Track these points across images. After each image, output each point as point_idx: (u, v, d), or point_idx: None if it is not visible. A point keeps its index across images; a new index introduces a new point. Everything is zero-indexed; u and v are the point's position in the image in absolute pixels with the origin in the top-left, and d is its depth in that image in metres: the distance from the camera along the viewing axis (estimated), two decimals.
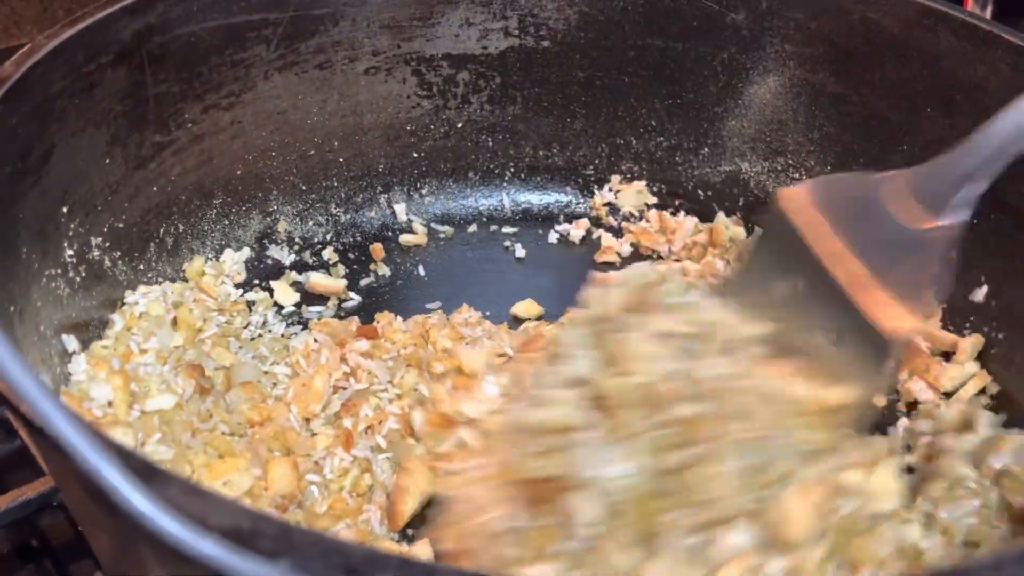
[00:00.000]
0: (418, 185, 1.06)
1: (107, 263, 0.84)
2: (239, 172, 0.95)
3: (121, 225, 0.85)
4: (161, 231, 0.90)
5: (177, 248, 0.91)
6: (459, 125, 1.06)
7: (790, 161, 1.03)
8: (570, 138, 1.09)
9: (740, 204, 1.06)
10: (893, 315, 0.73)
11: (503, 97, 1.06)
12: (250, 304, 0.92)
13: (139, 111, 0.85)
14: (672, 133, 1.07)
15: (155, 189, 0.88)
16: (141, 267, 0.88)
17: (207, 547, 0.42)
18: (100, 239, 0.83)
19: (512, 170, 1.09)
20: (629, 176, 1.09)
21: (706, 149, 1.07)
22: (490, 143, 1.07)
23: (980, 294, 0.90)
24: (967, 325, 0.91)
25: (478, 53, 1.03)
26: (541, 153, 1.09)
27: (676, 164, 1.08)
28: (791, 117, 1.02)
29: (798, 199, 0.79)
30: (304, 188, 1.00)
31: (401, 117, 1.03)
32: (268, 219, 0.99)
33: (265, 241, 0.99)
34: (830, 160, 1.01)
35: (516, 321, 0.94)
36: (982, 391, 0.87)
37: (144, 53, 0.83)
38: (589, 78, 1.06)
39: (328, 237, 1.02)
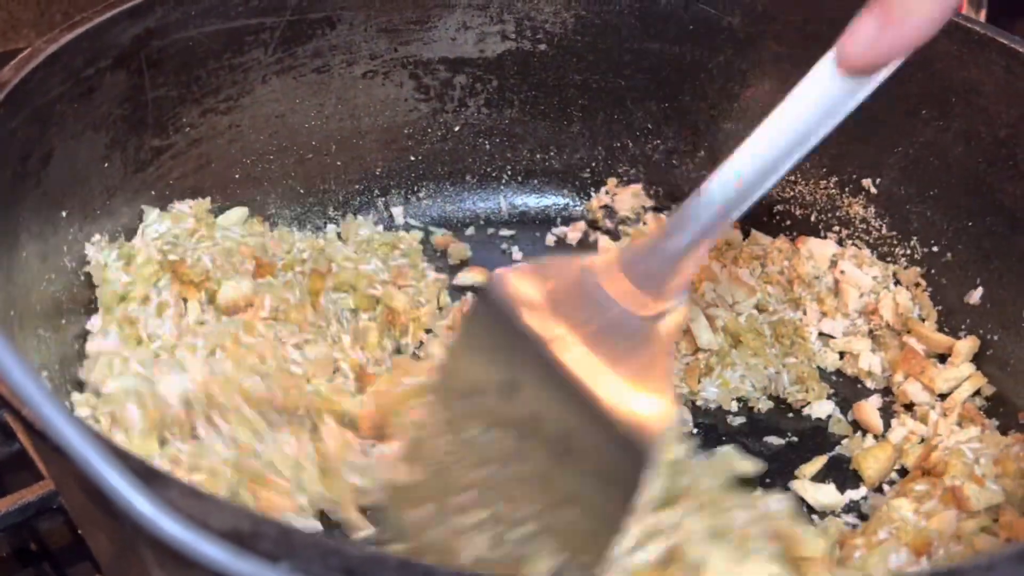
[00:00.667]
0: (415, 188, 1.07)
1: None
2: (237, 176, 0.96)
3: (120, 229, 0.85)
4: None
5: None
6: (456, 128, 1.06)
7: None
8: (567, 141, 1.09)
9: None
10: (640, 410, 0.62)
11: (500, 100, 1.06)
12: None
13: (138, 115, 0.85)
14: (669, 136, 1.08)
15: (153, 193, 0.88)
16: None
17: (208, 549, 0.42)
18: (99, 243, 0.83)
19: (509, 173, 1.09)
20: (626, 179, 1.10)
21: (703, 152, 1.07)
22: (487, 146, 1.08)
23: (975, 296, 0.90)
24: (962, 327, 0.91)
25: (475, 57, 1.03)
26: (538, 156, 1.09)
27: (673, 167, 1.08)
28: None
29: (515, 283, 0.67)
30: (302, 191, 1.01)
31: (398, 120, 1.04)
32: (266, 223, 0.99)
33: None
34: (825, 163, 1.01)
35: None
36: (977, 393, 0.87)
37: (143, 57, 0.84)
38: (586, 81, 1.06)
39: None
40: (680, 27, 1.02)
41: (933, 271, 0.95)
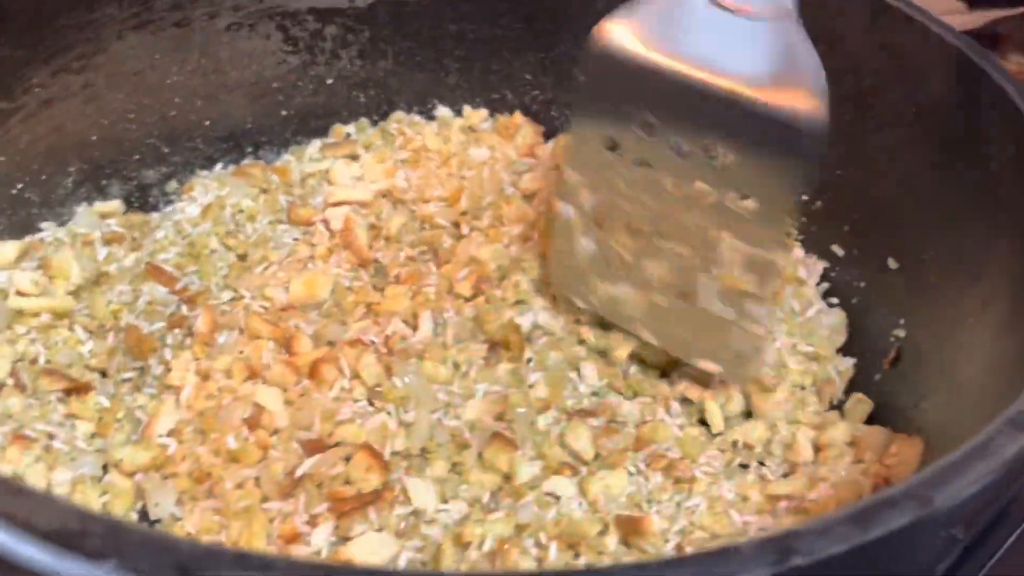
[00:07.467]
0: (289, 144, 1.04)
1: None
2: (95, 137, 0.92)
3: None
4: (12, 204, 0.86)
5: (31, 221, 0.88)
6: (329, 81, 1.03)
7: None
8: (445, 93, 1.07)
9: None
10: (796, 97, 0.65)
11: (373, 51, 1.03)
12: None
13: None
14: (547, 87, 1.07)
15: (3, 159, 0.84)
16: None
17: (29, 551, 0.41)
18: None
19: None
20: None
21: None
22: (362, 99, 1.05)
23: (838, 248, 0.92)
24: (832, 273, 0.93)
25: (345, 7, 1.00)
26: (416, 108, 1.07)
27: (553, 118, 1.07)
28: None
29: (621, 32, 0.69)
30: (167, 151, 0.97)
31: (267, 74, 1.00)
32: (130, 184, 0.95)
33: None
34: None
35: None
36: None
37: None
38: (461, 31, 1.04)
39: None
40: None
41: (804, 219, 0.96)
